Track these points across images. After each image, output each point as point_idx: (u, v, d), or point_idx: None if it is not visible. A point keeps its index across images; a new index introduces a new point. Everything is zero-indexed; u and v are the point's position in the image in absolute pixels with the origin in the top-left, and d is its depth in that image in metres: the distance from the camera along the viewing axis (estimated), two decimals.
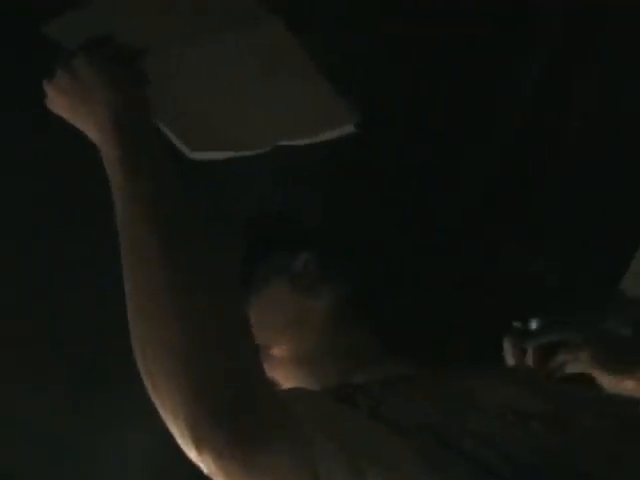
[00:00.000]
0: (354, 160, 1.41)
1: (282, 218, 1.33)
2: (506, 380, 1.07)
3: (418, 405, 0.95)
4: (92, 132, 1.00)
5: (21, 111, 1.20)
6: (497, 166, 1.60)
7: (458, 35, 1.43)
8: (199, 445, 0.82)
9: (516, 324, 1.28)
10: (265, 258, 1.22)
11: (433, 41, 1.42)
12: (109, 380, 1.41)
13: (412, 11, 1.38)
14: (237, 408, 0.82)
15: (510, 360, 1.31)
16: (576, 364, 1.24)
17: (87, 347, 1.39)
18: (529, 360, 1.28)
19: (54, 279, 1.35)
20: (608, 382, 1.22)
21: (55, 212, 1.32)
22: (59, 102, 1.02)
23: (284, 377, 1.16)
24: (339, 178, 1.43)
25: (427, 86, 1.45)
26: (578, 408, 1.00)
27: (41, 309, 1.35)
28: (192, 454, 0.83)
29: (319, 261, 1.21)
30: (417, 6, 1.38)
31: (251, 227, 1.29)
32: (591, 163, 1.60)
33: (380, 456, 0.86)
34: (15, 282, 1.32)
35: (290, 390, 0.98)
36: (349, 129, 1.12)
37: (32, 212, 1.30)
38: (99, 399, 1.43)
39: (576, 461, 0.90)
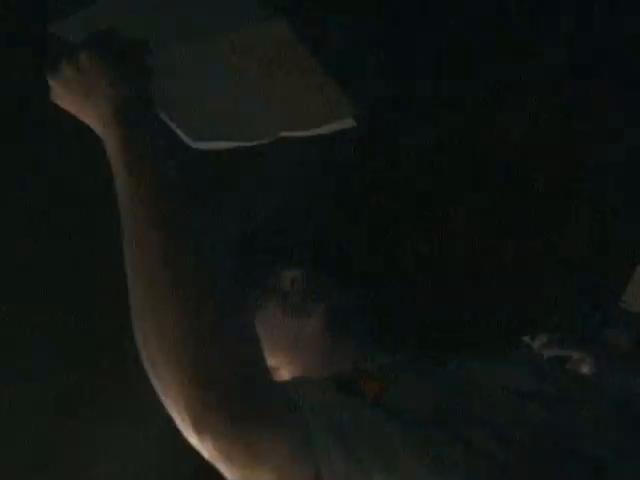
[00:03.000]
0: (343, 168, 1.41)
1: (271, 235, 1.32)
2: (510, 363, 1.08)
3: (422, 392, 0.96)
4: (95, 125, 1.02)
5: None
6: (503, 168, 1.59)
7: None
8: (200, 428, 0.83)
9: (525, 338, 1.30)
10: (253, 277, 1.22)
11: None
12: (109, 379, 1.41)
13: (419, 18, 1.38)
14: (238, 392, 0.84)
15: None
16: None
17: (87, 345, 1.40)
18: None
19: (53, 276, 1.36)
20: None
21: (54, 208, 1.32)
22: (63, 95, 1.03)
23: None
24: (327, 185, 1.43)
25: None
26: (584, 393, 1.02)
27: (40, 307, 1.35)
28: (193, 438, 0.85)
29: (306, 277, 1.21)
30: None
31: (242, 245, 1.27)
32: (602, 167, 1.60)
33: (381, 448, 0.88)
34: (14, 280, 1.33)
35: (294, 379, 1.00)
36: (349, 123, 1.14)
37: (31, 209, 1.30)
38: (97, 399, 1.42)
39: (576, 444, 0.92)
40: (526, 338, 1.29)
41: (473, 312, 1.42)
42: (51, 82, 1.03)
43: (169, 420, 0.86)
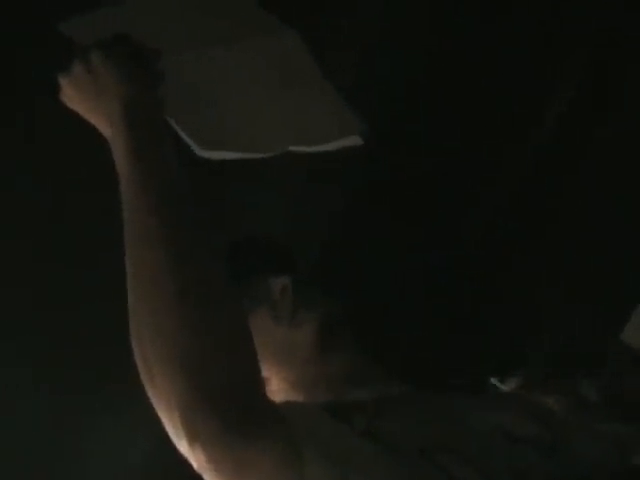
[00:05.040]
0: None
1: (263, 242, 1.31)
2: (501, 404, 1.07)
3: (411, 425, 0.94)
4: (103, 126, 1.02)
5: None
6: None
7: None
8: (191, 435, 0.83)
9: (493, 380, 1.28)
10: (245, 284, 1.16)
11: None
12: (107, 381, 1.42)
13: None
14: (232, 401, 0.84)
15: None
16: None
17: (86, 347, 1.41)
18: None
19: (52, 278, 1.37)
20: None
21: (52, 210, 1.33)
22: (73, 95, 1.04)
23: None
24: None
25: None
26: (576, 435, 1.01)
27: (40, 308, 1.36)
28: (183, 445, 0.84)
29: (297, 286, 1.19)
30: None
31: (233, 252, 1.22)
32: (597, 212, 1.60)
33: (370, 476, 0.86)
34: (14, 281, 1.34)
35: (286, 402, 0.97)
36: (356, 140, 1.14)
37: (29, 212, 1.31)
38: (96, 400, 1.44)
39: None
40: (494, 381, 1.27)
41: (465, 341, 1.42)
42: (61, 82, 1.04)
43: None
